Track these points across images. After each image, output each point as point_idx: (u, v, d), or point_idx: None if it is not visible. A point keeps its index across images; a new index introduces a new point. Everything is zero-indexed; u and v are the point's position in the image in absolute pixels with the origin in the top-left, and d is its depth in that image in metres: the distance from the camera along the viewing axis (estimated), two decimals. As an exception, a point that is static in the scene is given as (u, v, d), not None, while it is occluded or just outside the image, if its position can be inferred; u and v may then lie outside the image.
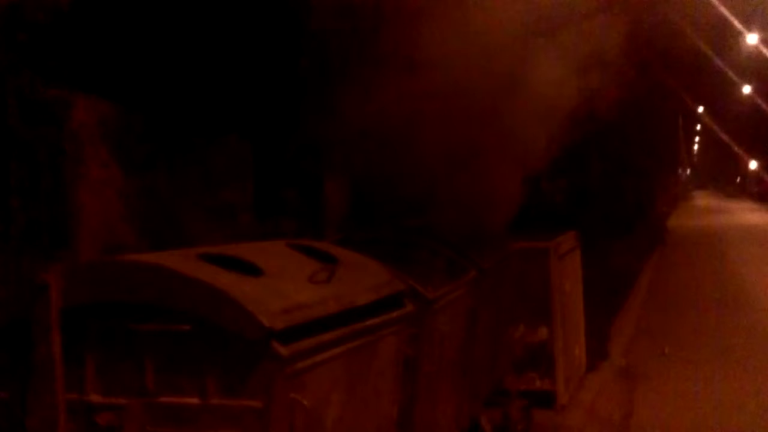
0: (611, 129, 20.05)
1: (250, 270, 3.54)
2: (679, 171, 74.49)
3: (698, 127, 77.20)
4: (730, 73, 46.67)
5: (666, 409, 8.83)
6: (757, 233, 30.65)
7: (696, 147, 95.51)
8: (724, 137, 63.19)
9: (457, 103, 6.90)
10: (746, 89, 55.19)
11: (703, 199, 72.76)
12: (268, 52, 8.00)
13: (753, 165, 69.70)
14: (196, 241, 6.79)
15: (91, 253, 6.05)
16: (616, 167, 22.30)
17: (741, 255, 23.35)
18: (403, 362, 4.48)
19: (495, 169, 7.28)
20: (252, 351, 3.13)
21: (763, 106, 54.72)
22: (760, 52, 43.80)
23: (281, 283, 3.55)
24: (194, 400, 3.20)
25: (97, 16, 6.52)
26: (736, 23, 37.89)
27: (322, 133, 7.27)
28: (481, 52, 6.94)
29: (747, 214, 44.67)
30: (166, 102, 7.14)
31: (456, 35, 6.99)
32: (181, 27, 7.29)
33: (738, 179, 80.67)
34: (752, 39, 42.91)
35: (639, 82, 21.13)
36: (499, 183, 7.40)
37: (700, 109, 58.92)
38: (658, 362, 10.74)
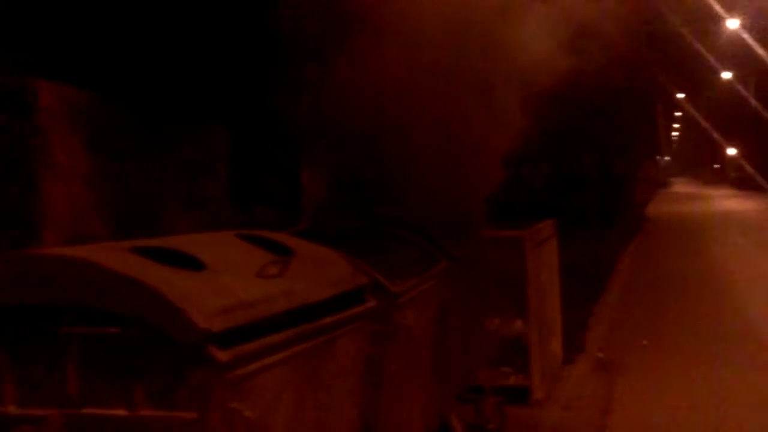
0: (593, 113, 19.83)
1: (190, 264, 3.20)
2: (658, 158, 74.49)
3: (677, 113, 77.26)
4: (710, 59, 46.59)
5: (645, 404, 8.53)
6: (735, 220, 30.55)
7: (675, 133, 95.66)
8: (703, 124, 63.24)
9: (431, 82, 6.57)
10: (726, 75, 55.18)
11: (681, 186, 72.89)
12: (240, 35, 7.72)
13: (731, 152, 69.80)
14: (169, 231, 6.72)
15: (58, 244, 5.73)
16: (599, 153, 22.06)
17: (721, 242, 23.17)
18: (365, 362, 4.15)
19: (470, 153, 6.95)
20: (186, 356, 2.79)
21: (743, 92, 54.78)
22: (741, 38, 43.71)
23: (224, 279, 3.21)
24: (122, 412, 2.86)
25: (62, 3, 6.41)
26: (717, 8, 37.75)
27: (298, 119, 6.96)
28: (456, 27, 6.61)
29: (726, 201, 44.63)
30: (138, 88, 6.94)
31: (428, 9, 6.66)
32: (151, 9, 7.09)
33: (716, 166, 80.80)
34: (733, 24, 42.79)
35: (619, 66, 20.92)
36: (475, 167, 7.07)
37: (680, 95, 58.89)
38: (637, 354, 10.44)
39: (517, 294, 8.21)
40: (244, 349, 2.93)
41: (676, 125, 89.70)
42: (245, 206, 8.37)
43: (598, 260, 17.57)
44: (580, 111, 17.84)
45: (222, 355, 2.80)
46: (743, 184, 57.00)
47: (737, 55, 48.39)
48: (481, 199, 7.34)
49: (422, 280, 5.27)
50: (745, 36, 43.33)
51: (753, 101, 54.88)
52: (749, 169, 56.36)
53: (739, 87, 55.40)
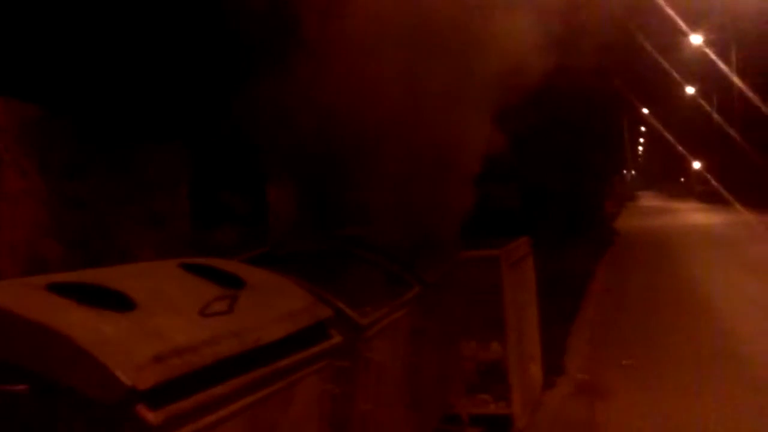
0: (559, 127, 19.51)
1: (118, 303, 2.69)
2: (625, 172, 74.66)
3: (642, 128, 77.57)
4: (674, 74, 46.70)
5: (630, 428, 8.09)
6: (704, 233, 30.29)
7: (640, 148, 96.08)
8: (669, 138, 63.45)
9: (397, 94, 6.13)
10: (690, 90, 55.45)
11: (648, 200, 72.95)
12: (195, 49, 7.31)
13: (696, 165, 70.11)
14: (128, 252, 6.57)
15: (12, 270, 5.54)
16: (566, 167, 21.73)
17: (691, 256, 22.86)
18: (330, 404, 3.64)
19: (441, 170, 6.51)
20: (108, 419, 2.28)
21: (706, 107, 55.03)
22: (704, 53, 43.87)
23: (159, 320, 2.70)
24: (31, 488, 2.34)
25: (13, 14, 6.08)
26: (681, 23, 37.82)
27: (259, 134, 6.55)
28: (422, 37, 6.17)
29: (693, 214, 44.51)
30: (91, 105, 6.62)
31: (393, 20, 6.22)
32: (105, 26, 6.74)
33: (682, 179, 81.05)
34: (696, 40, 42.94)
35: (585, 79, 20.65)
36: (446, 185, 6.62)
37: (645, 110, 59.12)
38: (618, 374, 10.00)
39: (494, 316, 7.74)
40: (181, 407, 2.43)
41: (641, 140, 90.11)
42: (207, 225, 8.03)
43: (571, 276, 17.17)
44: (546, 125, 17.49)
45: (152, 417, 2.30)
46: (709, 197, 57.06)
47: (700, 70, 48.64)
48: (454, 219, 6.89)
49: (392, 308, 4.78)
50: (708, 51, 43.52)
51: (716, 116, 55.20)
52: (714, 182, 56.57)
53: (703, 102, 55.69)
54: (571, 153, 22.09)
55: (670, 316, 13.86)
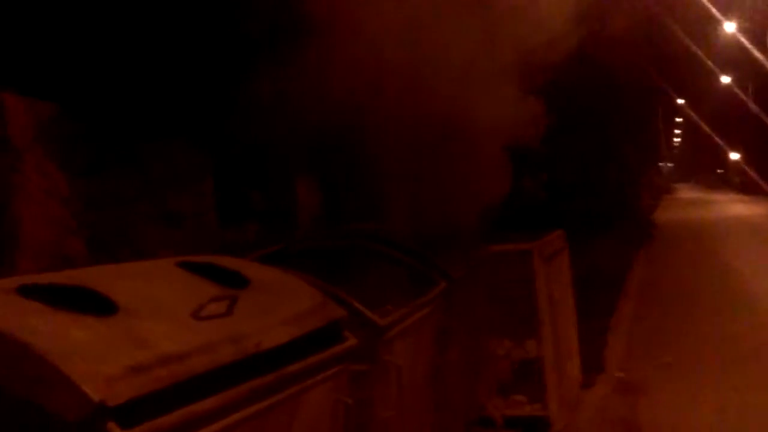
0: (592, 118, 19.11)
1: (99, 306, 2.40)
2: (661, 164, 73.71)
3: (678, 119, 76.55)
4: (709, 63, 45.92)
5: (674, 427, 7.72)
6: (744, 225, 29.63)
7: (676, 139, 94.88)
8: (705, 128, 62.58)
9: (424, 76, 5.81)
10: (725, 80, 54.52)
11: (686, 192, 71.88)
12: (211, 42, 7.08)
13: (734, 156, 69.05)
14: (150, 251, 6.32)
15: (38, 269, 5.29)
16: (599, 158, 21.27)
17: (732, 248, 22.26)
18: (344, 413, 3.33)
19: (470, 158, 6.18)
20: (74, 440, 1.98)
21: (742, 96, 54.09)
22: (738, 41, 43.06)
23: (143, 325, 2.41)
24: None
25: (29, 12, 6.01)
26: (714, 11, 37.10)
27: (279, 126, 6.31)
28: (447, 7, 5.84)
29: (732, 206, 43.69)
30: (107, 101, 6.46)
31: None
32: (121, 22, 6.55)
33: (719, 171, 79.85)
34: (730, 27, 42.14)
35: (619, 70, 20.25)
36: (475, 175, 6.29)
37: (680, 101, 58.31)
38: (660, 373, 9.59)
39: (528, 313, 7.39)
40: (162, 424, 2.13)
41: (676, 131, 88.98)
42: (233, 222, 7.83)
43: (608, 270, 16.71)
44: (578, 116, 17.10)
45: (125, 436, 2.00)
46: (748, 188, 56.15)
47: (735, 58, 47.80)
48: (483, 211, 6.56)
49: (415, 307, 4.47)
50: (742, 39, 42.71)
51: (752, 105, 54.29)
52: (752, 173, 55.67)
53: (738, 91, 54.79)
54: (604, 144, 21.62)
55: (711, 311, 13.41)
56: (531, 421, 7.10)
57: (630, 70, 22.57)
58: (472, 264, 6.18)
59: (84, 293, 2.43)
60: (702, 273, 17.93)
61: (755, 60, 43.11)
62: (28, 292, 2.32)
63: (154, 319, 2.47)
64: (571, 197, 19.36)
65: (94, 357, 2.09)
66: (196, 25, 6.98)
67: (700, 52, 41.21)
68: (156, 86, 6.81)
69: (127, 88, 6.61)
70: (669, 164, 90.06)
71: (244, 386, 2.54)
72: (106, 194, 6.39)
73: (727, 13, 39.89)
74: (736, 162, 68.94)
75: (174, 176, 7.33)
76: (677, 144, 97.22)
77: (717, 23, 40.90)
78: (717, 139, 63.42)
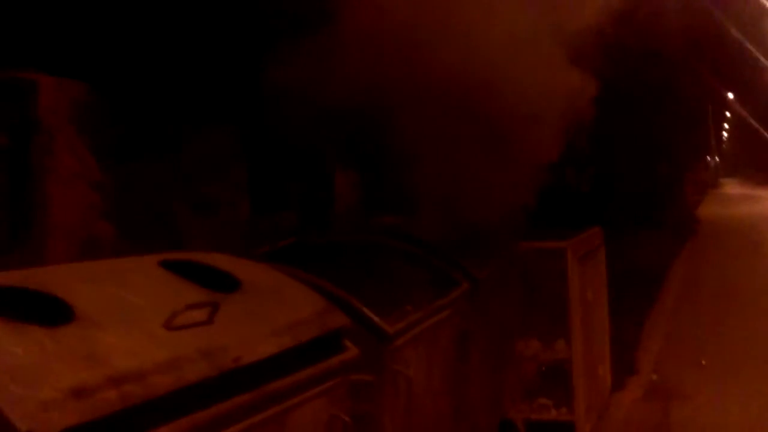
0: (639, 112, 18.67)
1: (52, 313, 2.13)
2: (708, 159, 72.52)
3: (727, 114, 75.34)
4: (761, 58, 45.01)
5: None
6: (792, 223, 28.95)
7: (725, 134, 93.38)
8: (754, 123, 61.52)
9: (460, 61, 5.47)
10: (776, 74, 53.46)
11: (732, 187, 70.61)
12: (243, 22, 6.87)
13: (783, 152, 67.81)
14: (182, 237, 6.41)
15: (67, 253, 5.39)
16: (645, 153, 20.77)
17: (778, 247, 21.68)
18: (341, 431, 3.04)
19: (501, 149, 5.83)
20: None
21: (792, 91, 53.04)
22: (790, 35, 42.14)
23: (101, 337, 2.13)
24: None
25: None
26: (766, 3, 36.28)
27: (322, 116, 6.03)
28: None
29: (779, 203, 42.79)
30: (142, 83, 6.35)
31: None
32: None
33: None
34: (782, 21, 41.23)
35: (671, 64, 19.77)
36: (508, 166, 5.94)
37: (730, 95, 57.34)
38: (695, 376, 9.22)
39: (559, 314, 7.06)
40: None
41: (725, 125, 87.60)
42: (267, 212, 7.66)
43: (649, 266, 16.28)
44: (625, 109, 16.67)
45: (58, 473, 1.73)
46: (797, 185, 55.10)
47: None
48: (515, 206, 6.22)
49: (432, 310, 4.16)
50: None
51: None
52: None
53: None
54: (651, 139, 21.10)
55: (753, 311, 12.94)
56: (556, 427, 6.79)
57: (682, 65, 22.10)
58: (502, 262, 5.86)
59: (36, 298, 2.16)
60: (745, 271, 17.39)
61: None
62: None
63: (115, 330, 2.19)
64: (617, 191, 18.93)
65: (29, 378, 1.81)
66: (228, 5, 6.79)
67: (751, 47, 40.40)
68: (190, 69, 6.68)
69: (162, 70, 6.50)
70: (716, 159, 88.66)
71: (216, 408, 2.25)
72: (138, 178, 6.28)
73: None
74: (784, 158, 67.77)
75: (208, 163, 7.21)
76: (725, 139, 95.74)
77: (768, 17, 40.09)
78: (766, 134, 62.36)
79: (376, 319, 3.46)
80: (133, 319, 2.30)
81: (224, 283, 2.84)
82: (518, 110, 5.72)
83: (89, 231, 5.74)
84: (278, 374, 2.59)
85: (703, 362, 9.68)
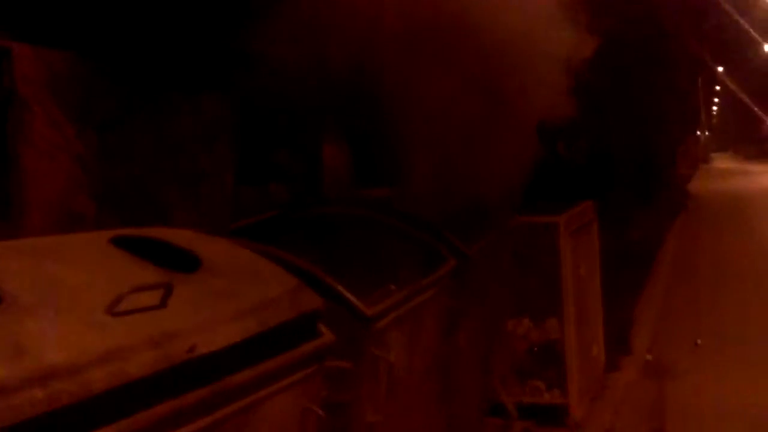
0: (630, 84, 18.40)
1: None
2: (698, 132, 72.29)
3: (717, 88, 75.10)
4: (751, 31, 44.80)
5: (707, 420, 7.11)
6: (782, 197, 28.74)
7: (714, 108, 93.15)
8: (744, 98, 61.42)
9: (448, 27, 5.17)
10: (767, 48, 53.28)
11: (723, 162, 70.51)
12: None
13: (773, 126, 67.82)
14: (168, 210, 6.26)
15: (45, 226, 5.18)
16: (638, 126, 20.49)
17: (769, 222, 21.44)
18: (314, 424, 2.75)
19: (492, 116, 5.53)
20: None
21: (783, 65, 52.93)
22: (781, 8, 41.92)
23: (31, 325, 1.83)
24: None
25: None
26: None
27: (310, 82, 5.82)
28: None
29: (769, 177, 42.65)
30: (125, 50, 5.99)
31: None
32: None
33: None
34: (774, -5, 41.01)
35: (657, 36, 19.49)
36: (499, 135, 5.65)
37: (720, 69, 57.16)
38: (691, 356, 8.97)
39: (551, 291, 6.81)
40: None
41: (715, 99, 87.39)
42: (254, 182, 7.35)
43: (640, 242, 16.02)
44: (617, 81, 16.39)
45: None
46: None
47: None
48: (508, 178, 5.93)
49: (416, 289, 3.86)
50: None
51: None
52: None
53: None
54: (643, 111, 20.81)
55: (746, 288, 12.71)
56: (548, 410, 6.55)
57: (672, 36, 21.84)
58: (492, 237, 5.57)
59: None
60: (738, 247, 17.15)
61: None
62: None
63: (48, 316, 1.90)
64: (609, 165, 18.66)
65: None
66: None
67: (741, 20, 40.15)
68: (175, 36, 6.29)
69: (146, 37, 6.12)
70: (706, 133, 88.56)
71: (165, 405, 1.96)
72: (121, 150, 6.02)
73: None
74: (775, 132, 67.75)
75: (193, 133, 6.88)
76: (715, 113, 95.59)
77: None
78: (756, 108, 62.32)
79: (353, 300, 3.17)
80: (70, 304, 2.00)
81: (183, 262, 2.54)
82: (515, 69, 5.43)
83: (69, 205, 5.51)
84: (241, 365, 2.30)
85: (699, 341, 9.43)
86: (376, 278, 3.65)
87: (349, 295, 3.16)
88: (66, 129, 5.58)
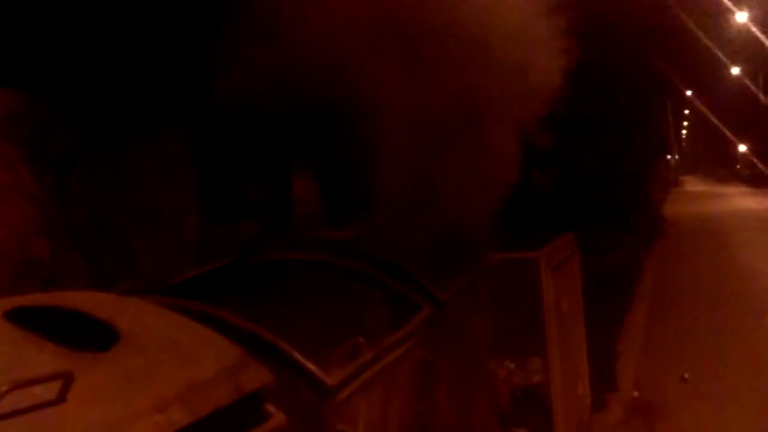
0: (598, 110, 18.20)
1: None
2: (669, 156, 72.53)
3: (686, 111, 75.58)
4: (719, 54, 45.08)
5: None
6: (756, 219, 28.50)
7: (684, 131, 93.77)
8: (714, 120, 61.79)
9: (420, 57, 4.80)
10: (735, 70, 53.72)
11: (694, 185, 70.64)
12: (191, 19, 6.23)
13: (742, 148, 68.25)
14: (131, 252, 6.06)
15: (2, 273, 4.94)
16: (608, 151, 20.25)
17: (748, 244, 21.08)
18: None
19: (481, 138, 5.14)
20: None
21: (753, 87, 53.30)
22: (750, 31, 42.25)
23: None
24: None
25: None
26: (726, 0, 36.32)
27: (274, 105, 5.40)
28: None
29: (742, 199, 42.61)
30: (79, 88, 5.75)
31: None
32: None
33: (738, 166, 78.55)
34: (741, 17, 41.31)
35: (625, 60, 19.34)
36: (475, 166, 5.25)
37: (688, 92, 57.56)
38: (679, 391, 8.56)
39: (533, 330, 6.36)
40: None
41: (684, 123, 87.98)
42: (221, 220, 6.99)
43: (618, 270, 15.64)
44: (585, 107, 16.15)
45: None
46: (757, 181, 55.17)
47: (746, 49, 47.09)
48: (484, 211, 5.52)
49: (387, 346, 3.40)
50: (755, 29, 41.95)
51: (762, 96, 53.73)
52: (761, 165, 55.02)
53: (749, 82, 54.17)
54: (612, 136, 20.56)
55: (731, 315, 12.34)
56: (533, 458, 6.09)
57: (639, 60, 21.74)
58: (469, 277, 5.13)
59: None
60: (718, 271, 16.83)
61: (766, 51, 42.42)
62: None
63: None
64: (582, 191, 18.39)
65: None
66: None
67: (710, 43, 40.35)
68: (133, 71, 6.02)
69: (102, 74, 5.87)
70: (676, 156, 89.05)
71: None
72: (79, 191, 5.76)
73: (739, 3, 39.10)
74: (744, 154, 68.14)
75: (154, 171, 6.56)
76: (685, 136, 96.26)
77: (728, 13, 40.08)
78: (725, 131, 62.72)
79: (311, 367, 2.69)
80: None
81: (95, 337, 2.07)
82: (493, 85, 5.05)
83: (26, 250, 5.21)
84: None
85: (686, 375, 9.02)
86: (341, 336, 3.19)
87: (306, 363, 2.68)
88: (21, 170, 5.33)
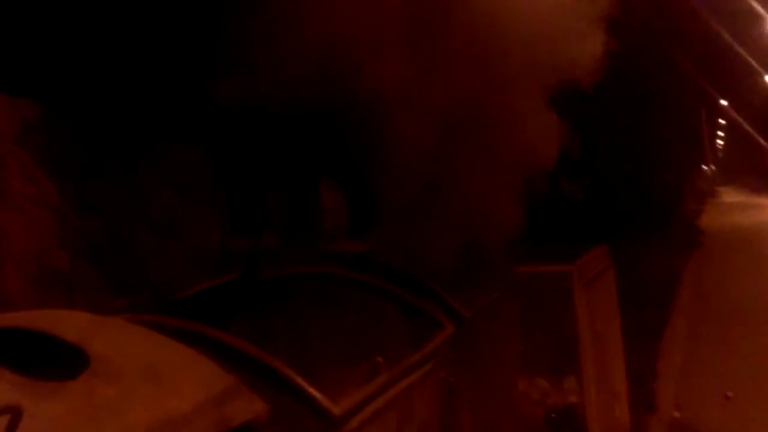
0: (631, 119, 17.92)
1: None
2: (704, 167, 71.78)
3: (721, 121, 74.93)
4: (753, 63, 44.58)
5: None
6: (798, 231, 27.95)
7: (720, 141, 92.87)
8: (749, 130, 61.21)
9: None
10: (768, 78, 53.16)
11: (731, 196, 69.60)
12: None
13: (780, 158, 67.38)
14: (151, 264, 6.04)
15: (22, 287, 5.07)
16: (641, 160, 19.92)
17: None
18: None
19: (494, 143, 4.89)
20: None
21: (787, 96, 52.73)
22: (784, 39, 41.80)
23: None
24: None
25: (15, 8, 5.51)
26: (759, 8, 35.97)
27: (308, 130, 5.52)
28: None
29: (785, 210, 41.88)
30: (107, 101, 5.92)
31: None
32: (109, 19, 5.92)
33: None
34: (777, 27, 40.90)
35: (659, 71, 19.10)
36: (501, 168, 5.01)
37: (723, 102, 57.03)
38: (722, 411, 8.20)
39: (567, 347, 6.07)
40: None
41: (720, 133, 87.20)
42: (245, 233, 7.07)
43: (655, 282, 15.21)
44: (617, 117, 15.91)
45: None
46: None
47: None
48: (510, 224, 5.23)
49: (405, 368, 3.12)
50: (789, 36, 41.48)
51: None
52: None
53: (784, 91, 53.54)
54: (646, 147, 20.22)
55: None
56: (568, 486, 5.79)
57: (673, 70, 21.48)
58: (495, 292, 4.85)
59: None
60: (756, 286, 16.31)
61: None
62: None
63: None
64: (614, 201, 18.06)
65: None
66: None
67: (743, 52, 39.88)
68: (152, 83, 6.04)
69: (122, 85, 5.93)
70: (712, 167, 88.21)
71: None
72: (99, 201, 5.85)
73: (775, 11, 38.72)
74: (781, 164, 67.36)
75: (174, 182, 6.59)
76: (720, 146, 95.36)
77: (762, 21, 39.65)
78: (762, 141, 62.09)
79: (316, 394, 2.42)
80: None
81: (62, 364, 1.82)
82: (520, 85, 4.82)
83: (46, 259, 5.35)
84: None
85: (729, 394, 8.64)
86: (353, 358, 2.93)
87: (309, 389, 2.41)
88: (42, 182, 5.43)
